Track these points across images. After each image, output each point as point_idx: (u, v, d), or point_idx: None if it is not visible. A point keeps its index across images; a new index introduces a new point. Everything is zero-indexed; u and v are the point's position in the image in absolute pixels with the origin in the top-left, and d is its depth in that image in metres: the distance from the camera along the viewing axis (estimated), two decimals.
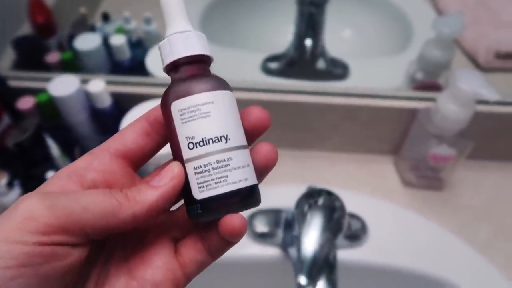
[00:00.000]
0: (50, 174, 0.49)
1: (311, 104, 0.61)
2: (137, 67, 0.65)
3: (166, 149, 0.25)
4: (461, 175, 0.62)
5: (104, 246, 0.23)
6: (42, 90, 0.57)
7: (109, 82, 0.59)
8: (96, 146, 0.24)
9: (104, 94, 0.56)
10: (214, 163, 0.22)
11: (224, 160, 0.22)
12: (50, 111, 0.58)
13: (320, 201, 0.46)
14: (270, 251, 0.53)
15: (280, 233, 0.52)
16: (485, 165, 0.64)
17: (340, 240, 0.49)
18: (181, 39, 0.23)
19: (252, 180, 0.23)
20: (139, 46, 0.68)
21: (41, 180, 0.50)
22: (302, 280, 0.42)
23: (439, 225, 0.56)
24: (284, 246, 0.51)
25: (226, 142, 0.22)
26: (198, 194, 0.22)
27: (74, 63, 0.64)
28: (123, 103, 0.58)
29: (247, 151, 0.23)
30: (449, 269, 0.52)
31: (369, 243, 0.54)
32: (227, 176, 0.22)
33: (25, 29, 0.68)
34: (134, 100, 0.55)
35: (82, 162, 0.23)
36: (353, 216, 0.54)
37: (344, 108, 0.61)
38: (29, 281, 0.18)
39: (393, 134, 0.64)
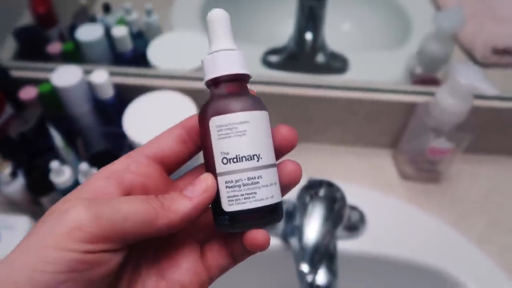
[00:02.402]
0: (54, 164, 0.49)
1: (310, 97, 0.62)
2: (138, 59, 0.65)
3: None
4: (458, 168, 0.63)
5: (135, 246, 0.24)
6: (44, 81, 0.57)
7: (111, 73, 0.59)
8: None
9: (107, 85, 0.56)
10: (245, 179, 0.23)
11: (255, 178, 0.23)
12: (53, 102, 0.58)
13: (321, 192, 0.47)
14: (271, 241, 0.53)
15: (281, 224, 0.52)
16: (482, 159, 0.65)
17: (339, 231, 0.50)
18: (225, 57, 0.24)
19: (277, 198, 0.24)
20: (140, 38, 0.68)
21: (45, 169, 0.50)
22: (304, 267, 0.43)
23: (436, 217, 0.57)
24: (285, 236, 0.52)
25: (257, 161, 0.23)
26: (227, 206, 0.23)
27: (75, 54, 0.64)
28: (124, 95, 0.58)
29: (275, 169, 0.24)
30: (445, 260, 0.53)
31: (367, 234, 0.55)
32: (255, 193, 0.23)
33: (27, 19, 0.68)
34: (136, 92, 0.56)
35: (120, 164, 0.24)
36: (352, 207, 0.55)
37: (343, 102, 0.62)
38: (77, 285, 0.20)
39: (392, 127, 0.64)
